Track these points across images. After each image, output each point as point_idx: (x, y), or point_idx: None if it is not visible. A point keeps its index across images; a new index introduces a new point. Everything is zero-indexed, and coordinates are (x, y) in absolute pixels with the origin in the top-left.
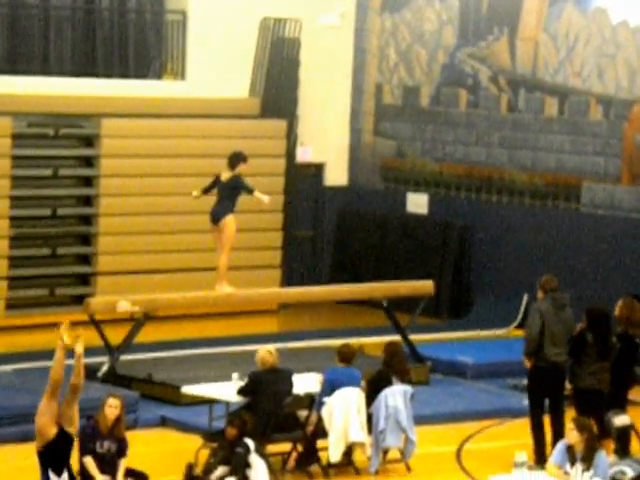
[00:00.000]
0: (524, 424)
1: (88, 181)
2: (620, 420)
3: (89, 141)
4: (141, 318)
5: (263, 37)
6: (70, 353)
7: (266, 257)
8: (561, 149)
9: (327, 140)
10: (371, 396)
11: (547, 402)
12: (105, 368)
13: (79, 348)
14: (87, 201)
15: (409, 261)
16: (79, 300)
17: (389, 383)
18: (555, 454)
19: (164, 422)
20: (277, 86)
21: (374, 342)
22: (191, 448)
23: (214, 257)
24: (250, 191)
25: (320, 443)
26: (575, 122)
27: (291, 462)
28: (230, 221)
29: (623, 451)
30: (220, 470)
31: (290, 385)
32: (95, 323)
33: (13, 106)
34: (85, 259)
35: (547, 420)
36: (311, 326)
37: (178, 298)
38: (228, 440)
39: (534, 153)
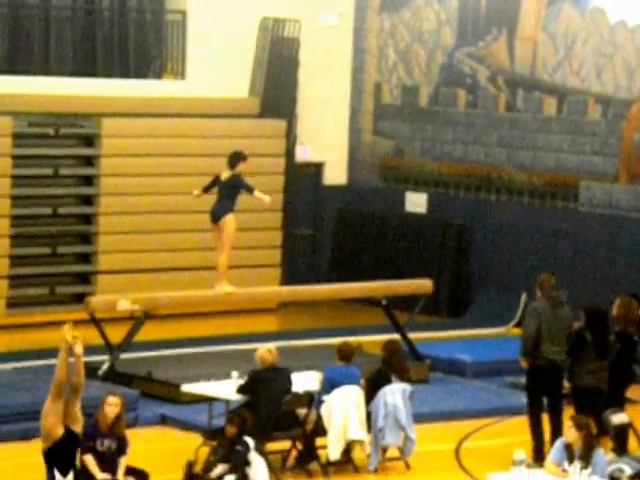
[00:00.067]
0: (523, 422)
1: (88, 180)
2: (618, 418)
3: (89, 140)
4: (141, 317)
5: (263, 37)
6: (70, 353)
7: (266, 256)
8: (559, 148)
9: (326, 139)
10: (370, 394)
11: (545, 400)
12: (105, 366)
13: (78, 349)
14: (87, 200)
15: (408, 260)
16: (79, 299)
17: (388, 381)
18: (553, 452)
19: (164, 420)
20: (276, 86)
21: (373, 340)
22: (191, 446)
23: (214, 256)
24: (250, 190)
25: (319, 441)
26: (573, 122)
27: (290, 460)
28: (230, 220)
29: (621, 449)
30: (220, 468)
31: (289, 383)
32: (95, 322)
33: (14, 106)
34: (85, 258)
35: (545, 418)
36: (310, 325)
37: (178, 297)
38: (228, 438)
39: (533, 152)
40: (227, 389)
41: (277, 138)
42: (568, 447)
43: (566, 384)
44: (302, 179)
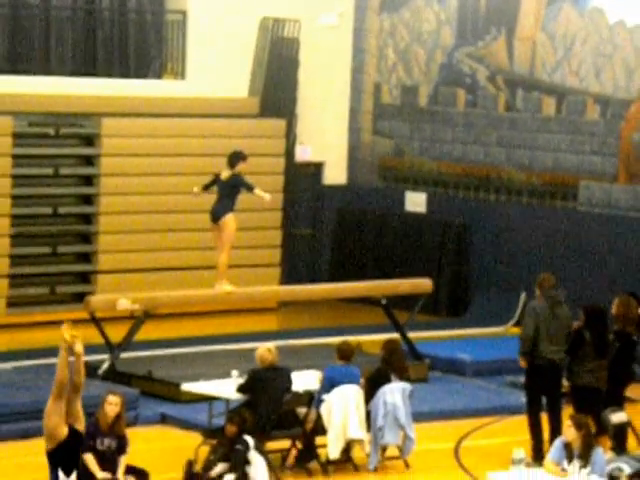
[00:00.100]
0: (522, 421)
1: (88, 180)
2: (617, 417)
3: (89, 140)
4: (141, 316)
5: (262, 37)
6: (70, 352)
7: (266, 255)
8: (558, 148)
9: (326, 139)
10: (370, 393)
11: (545, 399)
12: (105, 366)
13: (78, 347)
14: (87, 200)
15: (408, 259)
16: (79, 298)
17: (388, 380)
18: (552, 451)
19: (164, 419)
20: (276, 86)
21: (373, 340)
22: (191, 445)
23: (214, 255)
24: (250, 189)
25: (319, 440)
26: (572, 121)
27: (290, 459)
28: (230, 220)
29: (620, 448)
30: (220, 467)
31: (289, 382)
32: (95, 321)
33: (14, 105)
34: (85, 257)
35: (545, 417)
36: (310, 324)
37: (178, 296)
38: (228, 437)
39: (532, 152)
40: (227, 388)
41: (277, 138)
42: (567, 446)
43: (565, 383)
44: (302, 179)
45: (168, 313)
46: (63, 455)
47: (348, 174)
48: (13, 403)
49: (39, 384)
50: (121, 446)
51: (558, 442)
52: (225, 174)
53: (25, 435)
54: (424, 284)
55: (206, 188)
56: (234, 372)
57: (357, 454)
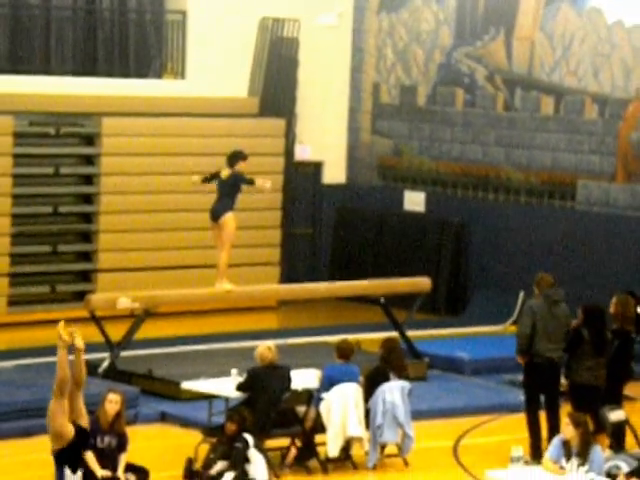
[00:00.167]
0: (520, 419)
1: (89, 179)
2: (615, 415)
3: (90, 140)
4: (141, 314)
5: (262, 37)
6: (71, 350)
7: (265, 254)
8: (557, 147)
9: (325, 139)
10: (369, 392)
11: (543, 398)
12: (106, 364)
13: (79, 342)
14: (88, 199)
15: (406, 258)
16: (80, 297)
17: (387, 379)
18: (551, 449)
19: (164, 417)
20: (276, 85)
21: (372, 338)
22: (191, 443)
23: (214, 254)
24: (251, 182)
25: (318, 438)
26: (571, 121)
27: (290, 457)
28: (230, 219)
29: (618, 446)
30: (219, 465)
31: (289, 381)
32: (96, 319)
33: (15, 105)
34: (86, 256)
35: (543, 415)
36: (310, 323)
37: (178, 295)
38: (227, 435)
39: (530, 151)
40: (227, 386)
41: (276, 137)
42: (565, 444)
43: (563, 381)
44: (301, 178)
45: (168, 312)
46: (70, 453)
47: (347, 173)
48: (14, 401)
49: (40, 382)
50: (121, 444)
51: (556, 440)
52: (225, 173)
53: (26, 433)
54: (423, 283)
55: (205, 181)
56: (234, 370)
57: (356, 452)
